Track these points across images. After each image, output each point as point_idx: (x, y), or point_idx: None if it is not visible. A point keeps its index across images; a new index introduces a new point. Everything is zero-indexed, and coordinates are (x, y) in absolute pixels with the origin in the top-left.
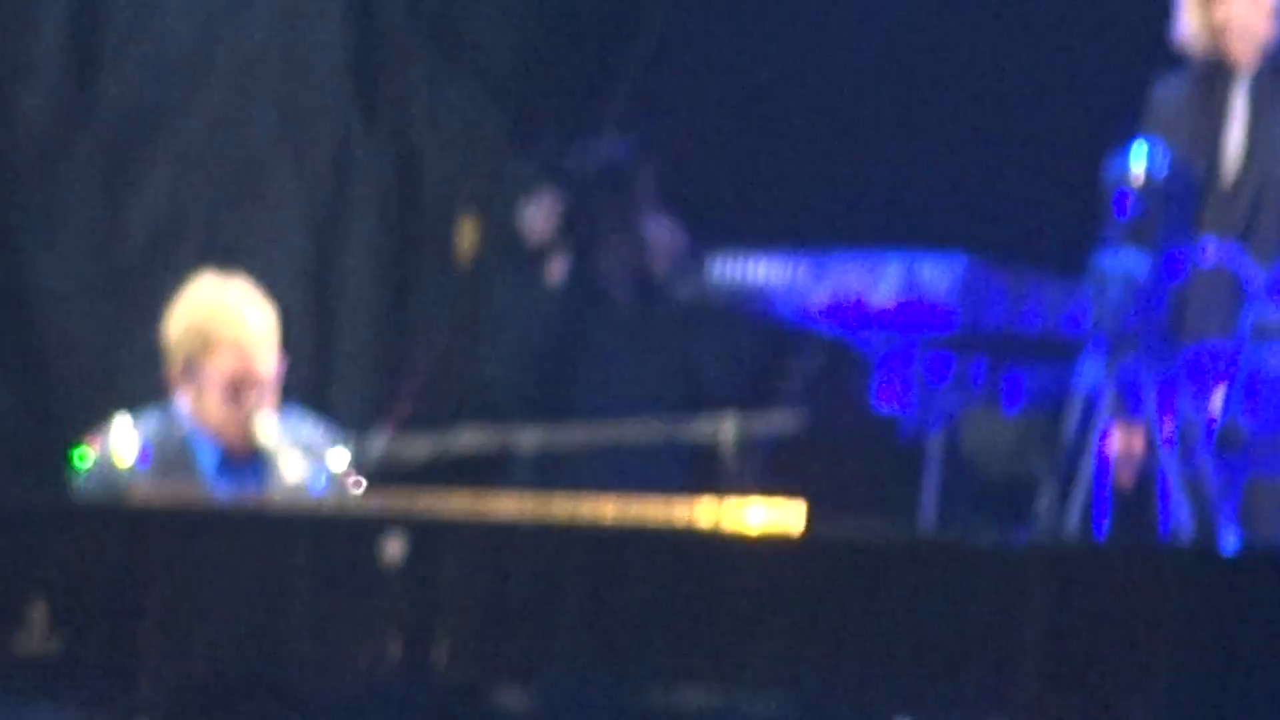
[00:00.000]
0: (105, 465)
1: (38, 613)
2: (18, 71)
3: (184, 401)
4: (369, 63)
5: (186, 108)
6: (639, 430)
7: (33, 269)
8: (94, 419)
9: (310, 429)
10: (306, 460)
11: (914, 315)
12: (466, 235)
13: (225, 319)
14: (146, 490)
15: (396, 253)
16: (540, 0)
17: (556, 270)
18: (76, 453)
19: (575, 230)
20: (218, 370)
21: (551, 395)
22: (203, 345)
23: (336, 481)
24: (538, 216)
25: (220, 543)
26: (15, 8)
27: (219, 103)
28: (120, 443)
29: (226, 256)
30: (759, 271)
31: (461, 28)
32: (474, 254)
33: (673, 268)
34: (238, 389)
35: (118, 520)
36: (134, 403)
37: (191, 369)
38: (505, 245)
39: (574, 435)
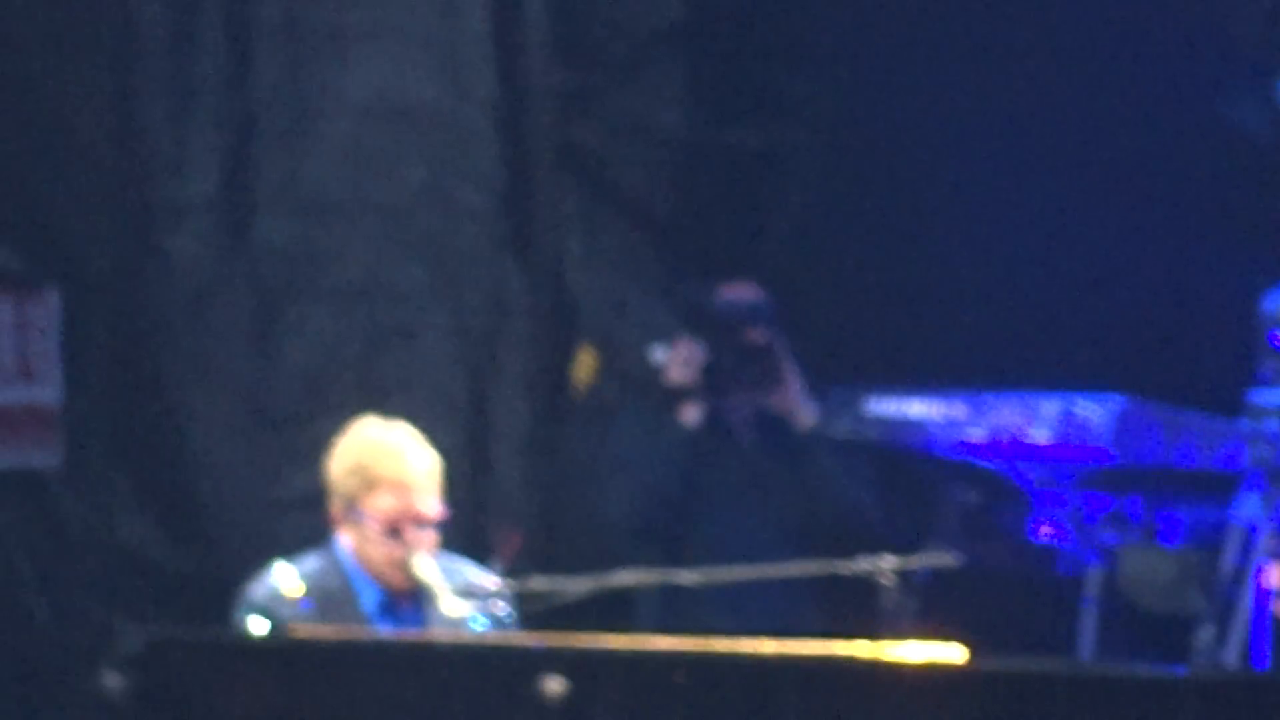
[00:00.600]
0: (268, 606)
1: None
2: (173, 215)
3: (345, 540)
4: (522, 203)
5: (341, 250)
6: (797, 570)
7: (188, 412)
8: (250, 561)
9: (468, 569)
10: (465, 600)
11: (1071, 452)
12: (585, 366)
13: (387, 459)
14: (309, 630)
15: (550, 392)
16: (691, 146)
17: (691, 415)
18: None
19: (714, 376)
20: (378, 509)
21: (682, 538)
22: (364, 484)
23: (495, 621)
24: (676, 360)
25: (382, 679)
26: (171, 152)
27: (373, 245)
28: (282, 584)
29: (381, 399)
30: (916, 408)
31: (613, 170)
32: (591, 385)
33: (831, 405)
34: (398, 528)
35: (281, 656)
36: (290, 544)
37: (353, 508)
38: (635, 386)
39: (733, 574)
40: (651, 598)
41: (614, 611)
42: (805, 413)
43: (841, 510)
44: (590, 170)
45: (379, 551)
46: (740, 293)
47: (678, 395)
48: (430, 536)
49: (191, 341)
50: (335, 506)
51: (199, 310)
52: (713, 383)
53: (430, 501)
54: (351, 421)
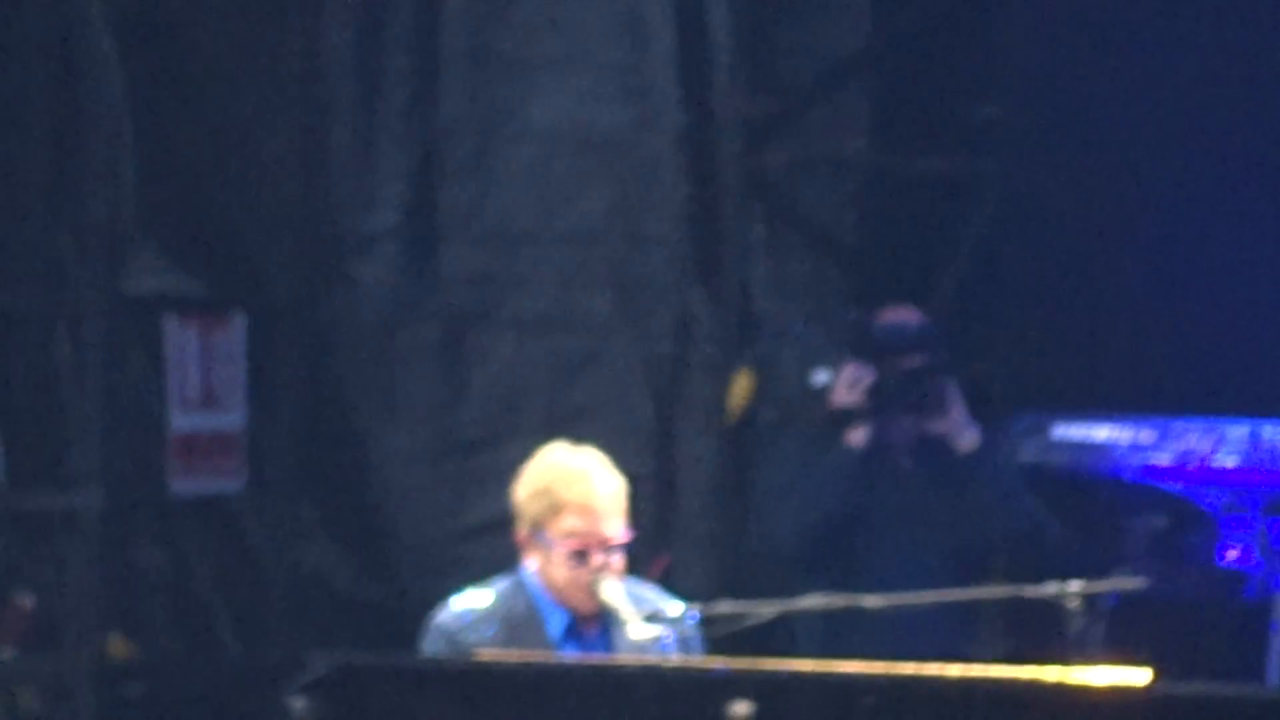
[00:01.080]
0: (454, 633)
1: None
2: (361, 244)
3: (531, 565)
4: (707, 229)
5: (527, 278)
6: (985, 594)
7: (377, 439)
8: (436, 587)
9: (652, 594)
10: (652, 625)
11: (1258, 477)
12: (739, 388)
13: (573, 482)
14: (496, 655)
15: (736, 422)
16: (877, 172)
17: (857, 438)
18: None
19: (879, 399)
20: (564, 532)
21: (847, 561)
22: (550, 508)
23: (682, 645)
24: (843, 383)
25: (568, 704)
26: (358, 181)
27: (559, 273)
28: (469, 610)
29: (567, 425)
30: (1102, 434)
31: (799, 197)
32: (745, 408)
33: (1017, 430)
34: (584, 551)
35: (467, 682)
36: (477, 570)
37: (539, 532)
38: (793, 410)
39: (917, 598)
40: (817, 624)
41: (780, 639)
42: (967, 437)
43: (1012, 529)
44: (776, 197)
45: (564, 575)
46: (903, 317)
47: (841, 418)
48: (616, 560)
49: (377, 369)
50: (522, 531)
51: (385, 338)
52: (877, 406)
53: (616, 525)
54: (538, 447)
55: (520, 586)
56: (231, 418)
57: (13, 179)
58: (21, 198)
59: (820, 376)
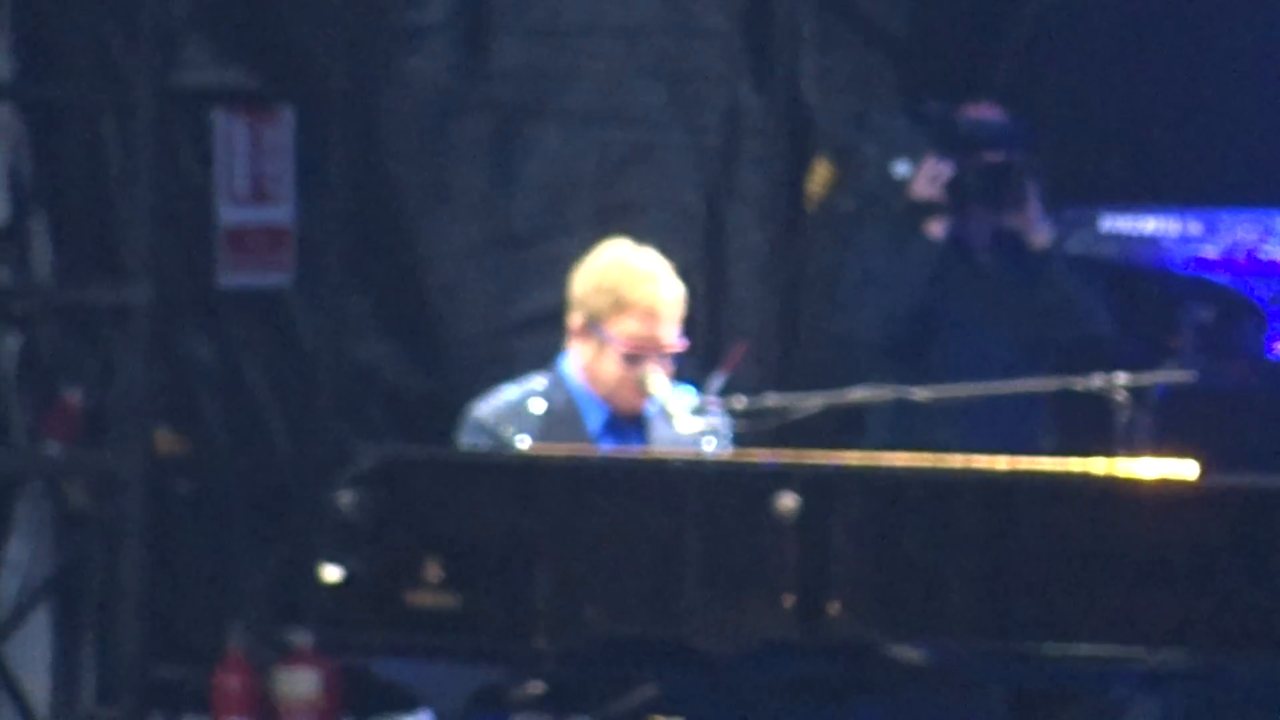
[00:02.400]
0: (493, 426)
1: (432, 569)
2: (411, 37)
3: (576, 357)
4: (759, 22)
5: (577, 71)
6: (1032, 386)
7: (427, 232)
8: (485, 379)
9: (690, 392)
10: (698, 417)
11: None
12: (820, 178)
13: (639, 284)
14: (543, 448)
15: (786, 211)
16: None
17: (936, 230)
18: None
19: (958, 192)
20: (624, 332)
21: (923, 354)
22: (613, 305)
23: (721, 438)
24: (924, 176)
25: (614, 497)
26: None
27: (609, 65)
28: (507, 403)
29: (617, 218)
30: (1150, 225)
31: None
32: (826, 196)
33: (1065, 221)
34: (639, 354)
35: (516, 474)
36: (525, 363)
37: (596, 326)
38: (873, 200)
39: (967, 390)
40: (882, 415)
41: (846, 428)
42: (1041, 233)
43: (1078, 329)
44: None
45: (614, 373)
46: (987, 113)
47: (921, 210)
48: (667, 366)
49: (427, 162)
50: (576, 321)
51: (435, 131)
52: (957, 199)
53: (673, 331)
54: (593, 241)
55: (559, 381)
56: (281, 211)
57: None
58: None
59: (901, 168)
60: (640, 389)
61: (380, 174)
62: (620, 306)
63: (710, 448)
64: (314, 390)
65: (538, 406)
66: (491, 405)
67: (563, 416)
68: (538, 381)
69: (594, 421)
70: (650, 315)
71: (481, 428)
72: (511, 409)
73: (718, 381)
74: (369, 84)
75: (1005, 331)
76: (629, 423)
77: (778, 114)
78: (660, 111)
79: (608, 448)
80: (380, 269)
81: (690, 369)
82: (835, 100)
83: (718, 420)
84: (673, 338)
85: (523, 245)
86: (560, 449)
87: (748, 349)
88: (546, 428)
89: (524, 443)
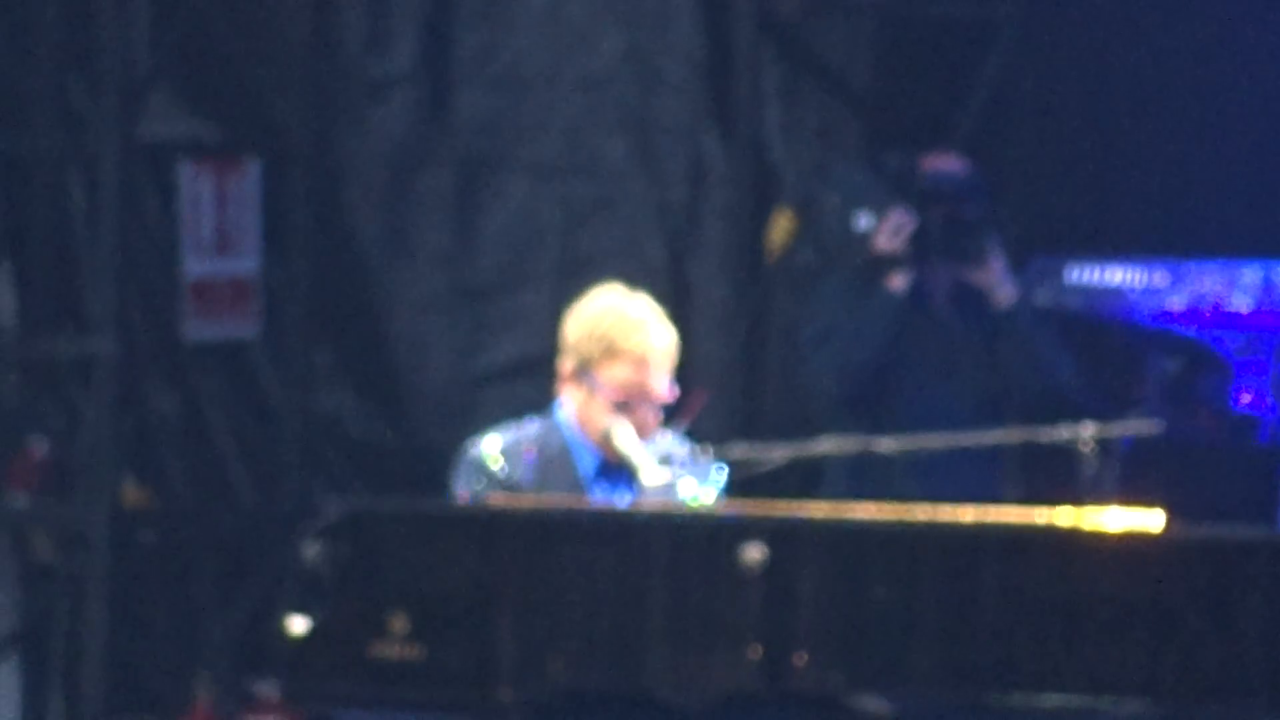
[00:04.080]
0: (489, 466)
1: (397, 621)
2: (375, 89)
3: (569, 402)
4: (722, 74)
5: (540, 123)
6: (999, 438)
7: (390, 283)
8: (447, 430)
9: (678, 442)
10: (667, 467)
11: (1273, 320)
12: (780, 229)
13: (632, 332)
14: (528, 497)
15: (750, 262)
16: (891, 16)
17: (898, 284)
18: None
19: (921, 246)
20: (614, 379)
21: (882, 407)
22: (605, 352)
23: (707, 480)
24: (886, 228)
25: (580, 549)
26: (371, 25)
27: (573, 116)
28: (502, 444)
29: (581, 270)
30: (1116, 277)
31: (813, 41)
32: (787, 248)
33: (1030, 273)
34: (629, 401)
35: (479, 527)
36: (488, 415)
37: (586, 372)
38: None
39: (932, 442)
40: (842, 467)
41: (805, 479)
42: (1006, 289)
43: (1042, 382)
44: (790, 41)
45: (604, 420)
46: (950, 165)
47: (883, 264)
48: (656, 415)
49: (391, 214)
50: (566, 366)
51: (398, 183)
52: (919, 253)
53: (663, 380)
54: (557, 294)
55: (553, 425)
56: (246, 263)
57: (27, 23)
58: (35, 43)
59: (862, 221)
60: (606, 442)
61: (344, 226)
62: (611, 353)
63: (702, 495)
64: (278, 442)
65: (532, 449)
66: (488, 445)
67: (556, 460)
68: (532, 424)
69: (586, 466)
70: (641, 363)
71: (478, 468)
72: (507, 450)
73: (678, 431)
74: (333, 136)
75: (966, 384)
76: (622, 469)
77: (741, 166)
78: (623, 163)
79: (599, 492)
80: (344, 321)
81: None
82: (799, 152)
83: (709, 467)
84: (663, 386)
85: (485, 297)
86: (527, 501)
87: (708, 398)
88: (541, 470)
89: (515, 485)
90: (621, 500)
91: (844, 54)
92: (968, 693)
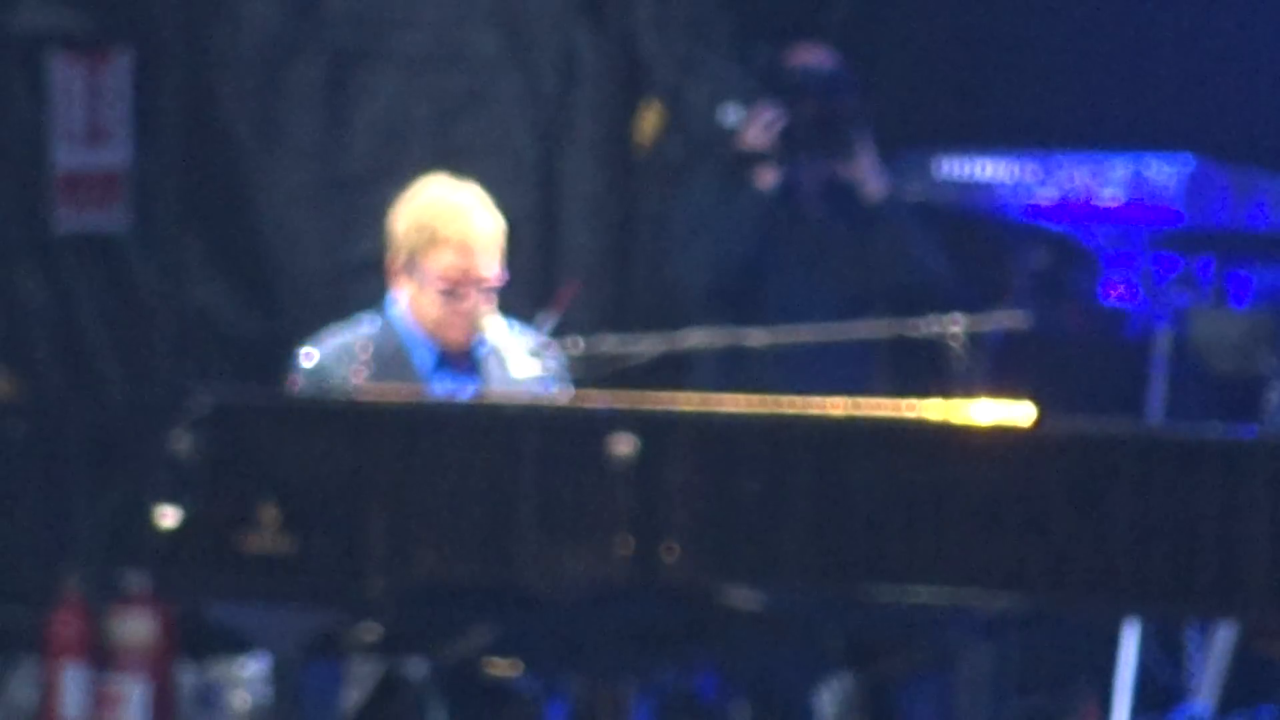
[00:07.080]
0: (324, 368)
1: (268, 513)
2: None
3: (402, 296)
4: None
5: (412, 15)
6: (869, 331)
7: (259, 176)
8: (318, 323)
9: (526, 333)
10: (534, 359)
11: (1141, 213)
12: (649, 123)
13: (452, 218)
14: (366, 390)
15: (620, 156)
16: None
17: (767, 179)
18: (301, 354)
19: (790, 141)
20: (438, 267)
21: (751, 302)
22: (428, 241)
23: (556, 381)
24: (755, 123)
25: (449, 441)
26: None
27: (443, 9)
28: (335, 345)
29: (451, 162)
30: (986, 170)
31: None
32: (655, 142)
33: (900, 167)
34: (456, 288)
35: (349, 419)
36: (358, 306)
37: (413, 264)
38: (703, 147)
39: (802, 335)
40: (711, 360)
41: (673, 371)
42: (876, 184)
43: (912, 276)
44: None
45: (436, 310)
46: (819, 58)
47: (752, 158)
48: (489, 299)
49: (262, 105)
50: (396, 261)
51: (270, 74)
52: (788, 148)
53: (491, 264)
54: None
55: (387, 322)
56: (117, 155)
57: None
58: None
59: (730, 115)
60: (473, 329)
61: (215, 117)
62: (434, 241)
63: (547, 389)
64: (149, 334)
65: (366, 348)
66: (321, 348)
67: (392, 357)
68: (366, 323)
69: (424, 361)
70: (464, 249)
71: (312, 370)
72: (341, 351)
73: (549, 322)
74: (204, 26)
75: (836, 278)
76: (462, 362)
77: (612, 59)
78: (495, 56)
79: (440, 387)
80: (215, 212)
81: (523, 310)
82: (669, 45)
83: (554, 363)
84: (490, 270)
85: (356, 189)
86: (395, 390)
87: (579, 289)
88: (377, 368)
89: (356, 383)
90: (464, 392)
91: None
92: (838, 585)
